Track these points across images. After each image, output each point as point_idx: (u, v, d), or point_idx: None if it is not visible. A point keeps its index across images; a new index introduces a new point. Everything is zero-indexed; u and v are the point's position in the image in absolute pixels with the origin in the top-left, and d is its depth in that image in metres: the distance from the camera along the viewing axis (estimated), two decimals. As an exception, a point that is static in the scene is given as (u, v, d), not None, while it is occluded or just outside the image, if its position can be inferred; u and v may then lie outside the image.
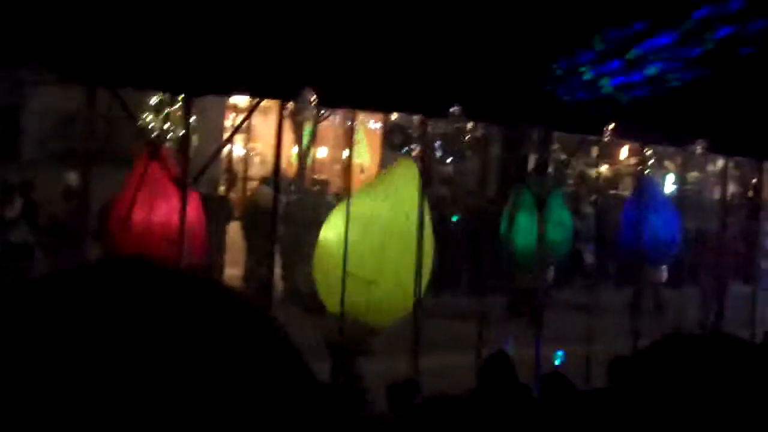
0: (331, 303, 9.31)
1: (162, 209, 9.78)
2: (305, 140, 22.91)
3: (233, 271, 17.02)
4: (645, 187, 13.45)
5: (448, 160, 23.45)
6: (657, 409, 1.88)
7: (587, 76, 8.86)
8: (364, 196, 9.74)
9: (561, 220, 14.20)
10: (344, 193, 10.30)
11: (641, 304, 15.69)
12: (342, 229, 9.16)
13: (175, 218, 9.31)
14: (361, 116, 24.26)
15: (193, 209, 10.25)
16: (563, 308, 14.54)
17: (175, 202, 9.46)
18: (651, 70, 8.99)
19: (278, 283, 15.64)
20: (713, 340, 2.18)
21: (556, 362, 9.50)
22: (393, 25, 7.05)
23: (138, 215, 10.25)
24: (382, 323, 9.56)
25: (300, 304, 14.26)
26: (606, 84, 9.13)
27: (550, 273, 15.41)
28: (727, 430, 1.87)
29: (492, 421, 2.37)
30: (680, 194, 19.19)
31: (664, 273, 16.59)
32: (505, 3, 6.93)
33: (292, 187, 19.89)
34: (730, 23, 8.21)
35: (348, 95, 7.64)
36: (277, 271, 15.65)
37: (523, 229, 13.53)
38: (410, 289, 9.23)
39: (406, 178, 9.67)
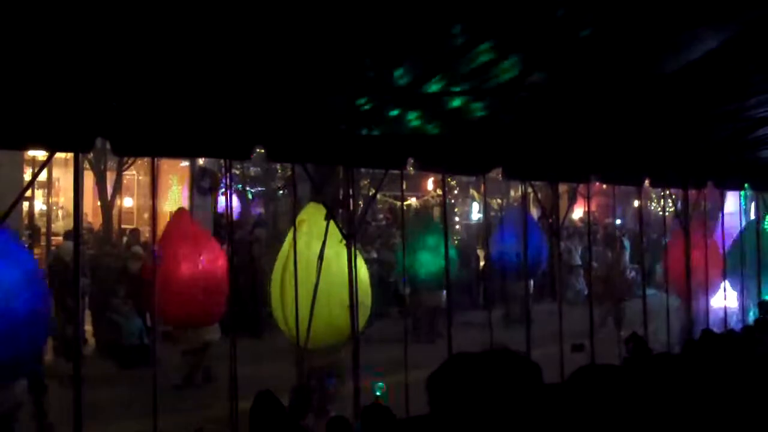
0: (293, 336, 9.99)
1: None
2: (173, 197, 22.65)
3: (41, 331, 16.34)
4: (517, 215, 14.15)
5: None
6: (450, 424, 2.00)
7: (394, 112, 9.04)
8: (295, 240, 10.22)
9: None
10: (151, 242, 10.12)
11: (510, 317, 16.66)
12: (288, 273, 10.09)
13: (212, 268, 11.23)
14: (172, 163, 23.95)
15: (222, 260, 12.00)
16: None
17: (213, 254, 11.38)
18: (455, 103, 9.24)
19: (90, 339, 15.17)
20: (494, 356, 2.31)
21: (377, 393, 9.57)
22: (186, 68, 7.02)
23: (181, 267, 11.62)
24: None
25: (114, 359, 13.88)
26: (413, 118, 9.34)
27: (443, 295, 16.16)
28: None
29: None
30: (486, 220, 19.84)
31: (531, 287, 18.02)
32: (302, 43, 7.00)
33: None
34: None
35: (146, 143, 7.52)
36: (89, 327, 15.21)
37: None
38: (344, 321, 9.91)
39: (318, 219, 10.34)
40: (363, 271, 10.53)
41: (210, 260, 12.20)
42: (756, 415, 3.52)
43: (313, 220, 10.33)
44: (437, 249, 14.72)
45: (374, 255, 20.10)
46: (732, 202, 17.50)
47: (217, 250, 12.59)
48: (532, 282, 18.70)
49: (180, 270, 11.80)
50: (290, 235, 10.47)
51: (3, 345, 7.54)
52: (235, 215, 22.25)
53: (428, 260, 15.96)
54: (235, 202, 25.56)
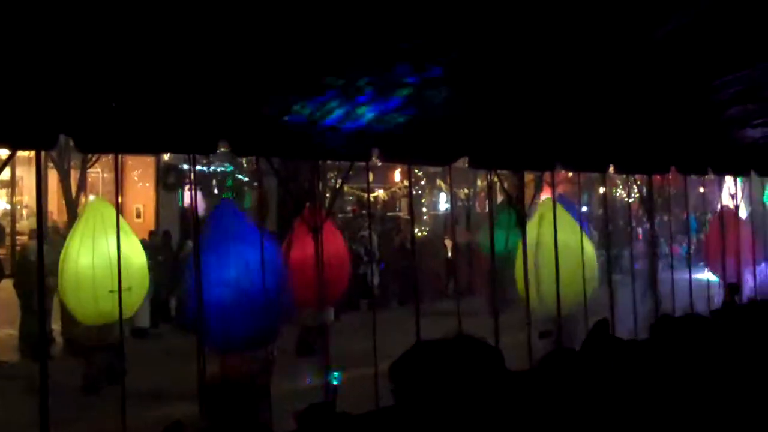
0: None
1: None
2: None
3: (9, 330, 16.26)
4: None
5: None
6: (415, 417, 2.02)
7: (345, 108, 9.03)
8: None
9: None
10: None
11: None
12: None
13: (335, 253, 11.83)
14: (137, 160, 23.79)
15: (341, 245, 12.89)
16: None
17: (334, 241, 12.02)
18: (404, 92, 9.23)
19: (58, 338, 15.05)
20: (455, 343, 2.34)
21: (334, 382, 9.65)
22: (150, 63, 6.98)
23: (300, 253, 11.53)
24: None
25: (82, 357, 13.76)
26: (366, 112, 9.34)
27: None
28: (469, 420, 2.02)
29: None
30: (453, 210, 19.92)
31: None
32: (254, 42, 7.00)
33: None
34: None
35: (110, 139, 7.47)
36: (56, 327, 15.07)
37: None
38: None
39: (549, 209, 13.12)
40: (590, 251, 13.55)
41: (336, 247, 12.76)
42: (714, 396, 3.58)
43: (548, 213, 12.99)
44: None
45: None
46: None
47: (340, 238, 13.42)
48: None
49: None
50: (530, 225, 12.98)
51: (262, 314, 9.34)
52: (201, 211, 22.20)
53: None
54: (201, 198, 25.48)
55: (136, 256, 11.26)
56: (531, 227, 13.09)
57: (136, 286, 11.18)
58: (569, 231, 13.27)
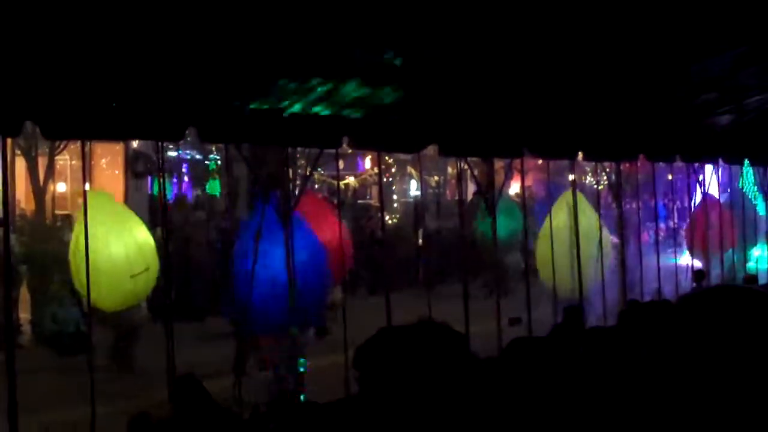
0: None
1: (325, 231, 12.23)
2: None
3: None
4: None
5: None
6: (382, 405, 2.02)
7: (322, 90, 9.01)
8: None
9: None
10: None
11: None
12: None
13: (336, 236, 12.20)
14: (106, 147, 23.60)
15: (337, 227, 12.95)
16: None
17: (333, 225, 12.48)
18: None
19: (25, 326, 14.93)
20: (419, 328, 2.35)
21: (300, 369, 9.70)
22: (115, 48, 6.92)
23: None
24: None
25: (52, 346, 13.67)
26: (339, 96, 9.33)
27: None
28: (436, 409, 2.03)
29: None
30: (423, 197, 19.88)
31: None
32: (221, 30, 6.97)
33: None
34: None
35: (76, 126, 7.39)
36: (25, 315, 14.97)
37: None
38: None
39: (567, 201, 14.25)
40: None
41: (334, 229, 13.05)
42: (679, 383, 3.60)
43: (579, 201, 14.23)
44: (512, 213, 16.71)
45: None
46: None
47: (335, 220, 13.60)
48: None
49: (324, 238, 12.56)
50: (555, 211, 14.31)
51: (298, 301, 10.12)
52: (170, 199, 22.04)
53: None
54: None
55: (148, 239, 11.71)
56: (557, 213, 14.25)
57: (152, 266, 11.57)
58: (594, 217, 14.77)
